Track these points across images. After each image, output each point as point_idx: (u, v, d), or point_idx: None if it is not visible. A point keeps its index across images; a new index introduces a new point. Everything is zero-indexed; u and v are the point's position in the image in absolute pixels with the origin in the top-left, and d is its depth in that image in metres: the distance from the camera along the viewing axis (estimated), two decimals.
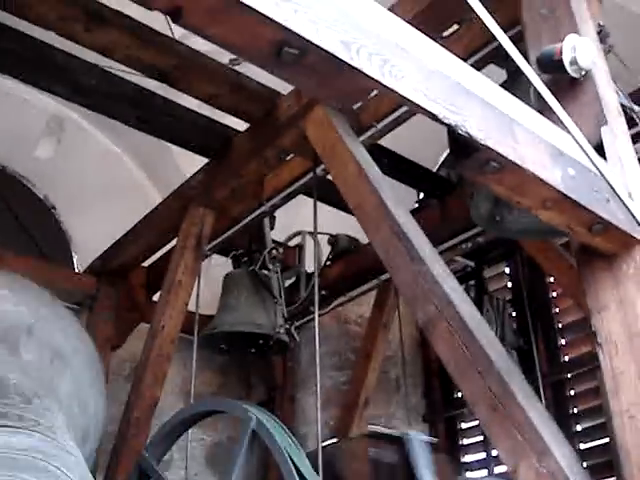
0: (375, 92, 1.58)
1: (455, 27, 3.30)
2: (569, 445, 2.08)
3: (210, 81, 3.67)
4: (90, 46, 3.39)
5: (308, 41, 1.31)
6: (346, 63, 1.37)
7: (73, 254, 6.15)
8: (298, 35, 1.30)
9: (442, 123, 1.56)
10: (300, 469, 2.62)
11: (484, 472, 5.72)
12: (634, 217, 2.08)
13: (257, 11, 1.25)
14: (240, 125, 4.12)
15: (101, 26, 3.31)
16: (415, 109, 1.55)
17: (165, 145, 4.59)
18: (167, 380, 4.28)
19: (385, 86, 1.45)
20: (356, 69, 1.39)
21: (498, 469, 5.50)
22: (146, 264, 5.39)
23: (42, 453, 2.40)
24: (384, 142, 4.05)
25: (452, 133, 1.60)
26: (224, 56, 3.62)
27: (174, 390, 5.57)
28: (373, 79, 1.42)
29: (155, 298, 5.07)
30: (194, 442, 5.59)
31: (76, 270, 5.99)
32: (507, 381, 2.11)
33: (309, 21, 1.32)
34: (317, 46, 1.32)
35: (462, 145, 1.65)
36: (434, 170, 5.17)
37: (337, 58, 1.36)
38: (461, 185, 4.51)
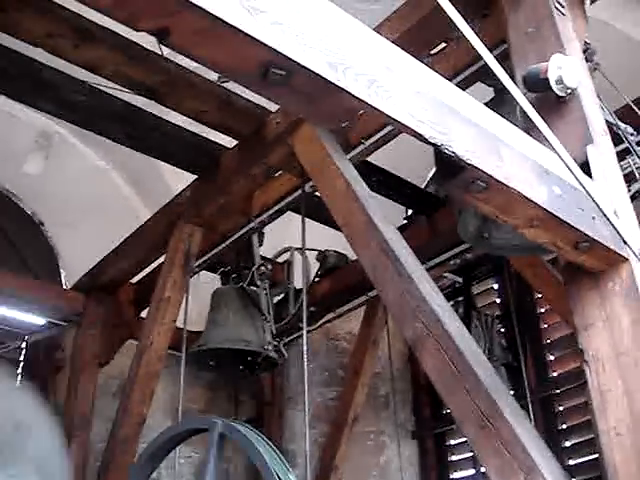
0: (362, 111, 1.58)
1: (442, 45, 3.32)
2: (557, 462, 2.08)
3: (198, 98, 3.68)
4: (78, 63, 3.39)
5: (295, 62, 1.32)
6: (333, 84, 1.38)
7: (61, 270, 6.13)
8: (284, 56, 1.30)
9: (428, 143, 1.56)
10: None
11: None
12: (620, 235, 2.09)
13: (243, 32, 1.25)
14: (228, 142, 4.12)
15: (89, 43, 3.31)
16: (402, 129, 1.55)
17: (154, 161, 4.59)
18: (155, 397, 4.26)
19: (372, 106, 1.45)
20: (343, 89, 1.40)
21: None
22: (134, 280, 5.38)
23: None
24: (372, 158, 4.06)
25: (438, 153, 1.60)
26: (212, 73, 3.62)
27: (162, 407, 5.54)
28: (360, 99, 1.43)
29: (143, 314, 5.05)
30: (182, 459, 5.56)
31: (64, 286, 5.97)
32: (495, 399, 2.11)
33: (295, 42, 1.32)
34: (304, 67, 1.33)
35: (448, 165, 1.66)
36: (422, 186, 5.18)
37: (324, 79, 1.37)
38: (449, 202, 4.52)
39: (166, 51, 3.56)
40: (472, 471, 5.76)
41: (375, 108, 1.46)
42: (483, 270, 5.86)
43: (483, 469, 5.54)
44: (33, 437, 3.09)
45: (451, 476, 5.99)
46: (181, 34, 1.26)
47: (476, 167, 1.66)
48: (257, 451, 2.73)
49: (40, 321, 5.40)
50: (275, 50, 1.28)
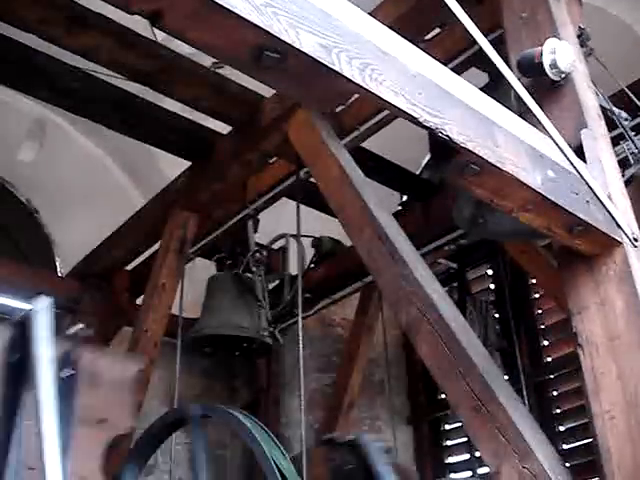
0: (356, 95, 1.58)
1: (437, 30, 3.31)
2: (551, 446, 2.10)
3: (193, 84, 3.67)
4: (72, 49, 3.38)
5: (288, 45, 1.31)
6: (326, 67, 1.38)
7: (56, 257, 6.12)
8: (278, 39, 1.30)
9: (422, 126, 1.56)
10: (283, 471, 2.62)
11: (468, 473, 5.74)
12: (614, 219, 2.09)
13: (237, 15, 1.25)
14: (223, 128, 4.11)
15: (83, 29, 3.30)
16: (396, 112, 1.55)
17: (148, 148, 4.58)
18: (151, 384, 4.26)
19: (365, 89, 1.45)
20: (336, 72, 1.40)
21: (482, 470, 5.52)
22: (130, 267, 5.37)
23: None
24: (367, 145, 4.06)
25: (433, 136, 1.61)
26: (207, 59, 3.61)
27: (158, 394, 5.54)
28: (353, 82, 1.42)
29: (139, 301, 5.05)
30: (179, 446, 5.57)
31: (59, 274, 5.96)
32: (489, 383, 2.12)
33: (289, 25, 1.32)
34: (297, 50, 1.33)
35: (442, 148, 1.66)
36: (417, 172, 5.18)
37: (317, 62, 1.36)
38: (444, 187, 4.52)
39: (160, 37, 3.55)
40: (467, 456, 5.79)
41: (369, 91, 1.45)
42: (478, 256, 5.87)
43: (478, 453, 5.57)
44: None
45: (446, 461, 6.03)
46: (174, 17, 1.25)
47: (470, 151, 1.66)
48: (253, 437, 2.74)
49: None
50: (268, 33, 1.28)
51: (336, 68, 1.39)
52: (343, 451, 3.65)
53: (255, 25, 1.26)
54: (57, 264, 6.11)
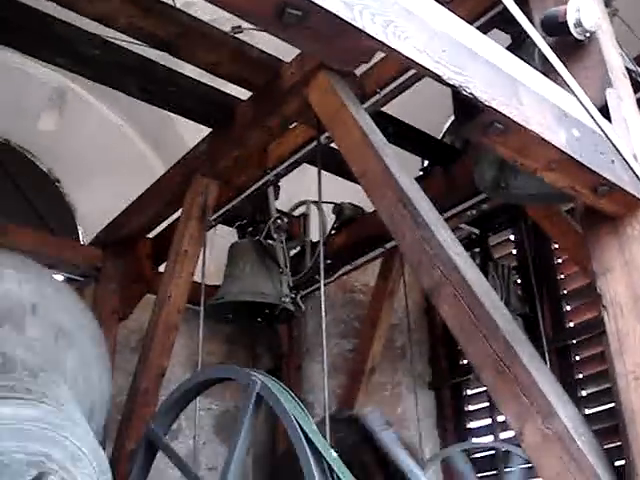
0: (378, 58, 1.57)
1: None
2: (574, 406, 2.09)
3: (212, 50, 3.64)
4: (91, 16, 3.36)
5: (310, 1, 1.30)
6: (349, 24, 1.36)
7: (78, 226, 6.17)
8: None
9: (446, 84, 1.55)
10: (308, 434, 2.63)
11: (490, 438, 5.76)
12: (639, 179, 2.07)
13: None
14: (243, 94, 4.09)
15: None
16: (419, 70, 1.54)
17: (168, 115, 4.57)
18: (174, 351, 4.29)
19: (389, 46, 1.44)
20: (359, 30, 1.38)
21: (503, 435, 5.54)
22: (152, 235, 5.40)
23: (50, 424, 2.44)
24: (387, 109, 4.03)
25: (456, 94, 1.59)
26: (226, 24, 3.59)
27: (181, 361, 5.61)
28: (376, 39, 1.41)
29: (161, 269, 5.08)
30: (202, 411, 5.64)
31: (81, 242, 6.00)
32: (512, 344, 2.12)
33: None
34: (320, 7, 1.31)
35: (466, 107, 1.65)
36: (439, 137, 5.14)
37: (340, 19, 1.35)
38: (466, 152, 4.49)
39: (180, 2, 3.53)
40: (488, 421, 5.81)
41: (392, 48, 1.44)
42: (500, 221, 5.82)
43: (500, 418, 5.59)
44: (74, 348, 3.15)
45: (468, 426, 6.05)
46: None
47: (494, 109, 1.65)
48: (279, 400, 2.76)
49: (58, 277, 5.44)
50: None
51: (359, 25, 1.37)
52: (343, 425, 3.69)
53: None
54: (79, 233, 6.16)
